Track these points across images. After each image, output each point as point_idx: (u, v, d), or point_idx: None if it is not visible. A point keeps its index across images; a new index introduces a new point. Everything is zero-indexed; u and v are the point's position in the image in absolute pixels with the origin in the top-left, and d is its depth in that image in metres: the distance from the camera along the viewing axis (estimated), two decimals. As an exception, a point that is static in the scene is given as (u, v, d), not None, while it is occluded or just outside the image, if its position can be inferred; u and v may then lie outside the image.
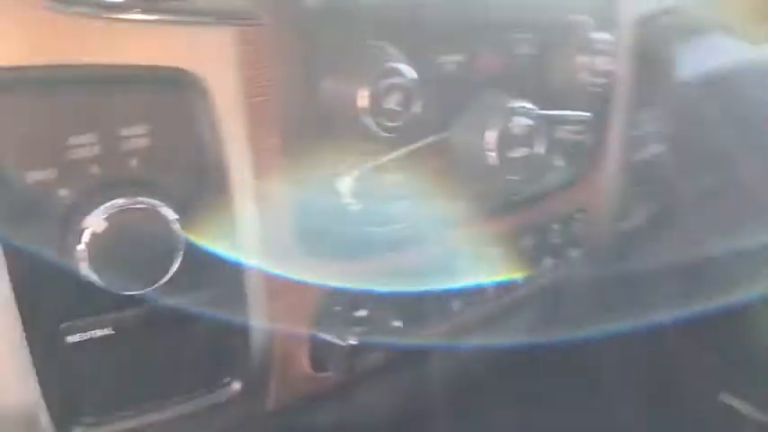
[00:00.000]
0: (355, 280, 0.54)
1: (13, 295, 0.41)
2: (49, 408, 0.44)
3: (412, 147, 0.53)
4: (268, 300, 0.50)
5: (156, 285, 0.43)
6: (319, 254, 0.52)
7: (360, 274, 0.54)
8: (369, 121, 0.49)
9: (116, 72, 0.42)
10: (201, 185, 0.46)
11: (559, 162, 0.66)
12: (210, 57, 0.45)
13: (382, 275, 0.55)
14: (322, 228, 0.51)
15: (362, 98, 0.48)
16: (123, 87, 0.43)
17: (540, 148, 0.57)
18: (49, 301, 0.43)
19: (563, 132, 0.63)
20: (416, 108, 0.51)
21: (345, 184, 0.51)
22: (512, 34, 0.60)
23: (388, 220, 0.55)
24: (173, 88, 0.44)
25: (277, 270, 0.50)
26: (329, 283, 0.53)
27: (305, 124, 0.50)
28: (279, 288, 0.50)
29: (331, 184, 0.51)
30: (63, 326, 0.43)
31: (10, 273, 0.41)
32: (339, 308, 0.54)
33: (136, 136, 0.43)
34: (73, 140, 0.42)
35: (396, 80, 0.49)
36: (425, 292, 0.58)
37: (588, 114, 0.64)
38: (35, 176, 0.41)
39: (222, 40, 0.45)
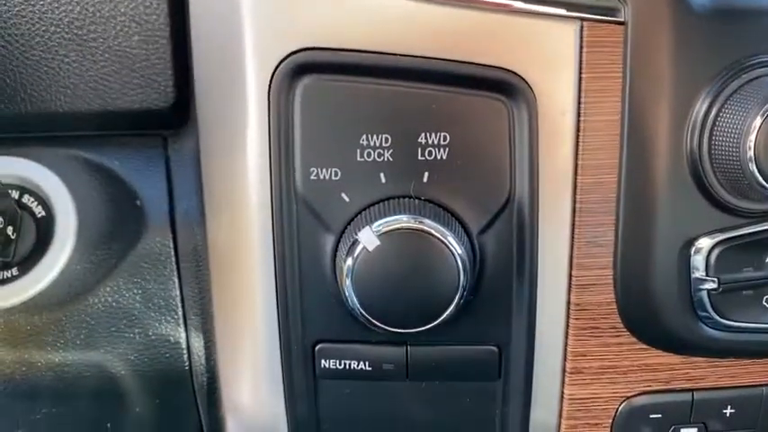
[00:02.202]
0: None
1: (275, 301, 0.37)
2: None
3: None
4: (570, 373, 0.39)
5: (424, 326, 0.35)
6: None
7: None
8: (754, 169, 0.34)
9: (427, 67, 0.35)
10: (500, 214, 0.37)
11: None
12: (544, 59, 0.35)
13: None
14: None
15: (751, 135, 0.33)
16: (430, 86, 0.35)
17: None
18: (309, 314, 0.38)
19: None
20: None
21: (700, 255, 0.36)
22: None
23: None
24: (491, 93, 0.35)
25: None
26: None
27: (656, 161, 0.37)
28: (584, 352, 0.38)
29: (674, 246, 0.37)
30: (318, 347, 0.38)
31: (277, 276, 0.36)
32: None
33: (434, 145, 0.36)
34: (365, 140, 0.36)
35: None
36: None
37: None
38: (319, 174, 0.36)
39: (563, 38, 0.35)
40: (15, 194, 0.43)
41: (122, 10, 0.42)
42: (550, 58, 0.35)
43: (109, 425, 0.44)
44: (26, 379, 0.42)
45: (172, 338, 0.42)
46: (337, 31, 0.34)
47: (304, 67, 0.34)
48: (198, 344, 0.42)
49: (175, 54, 0.43)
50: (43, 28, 0.42)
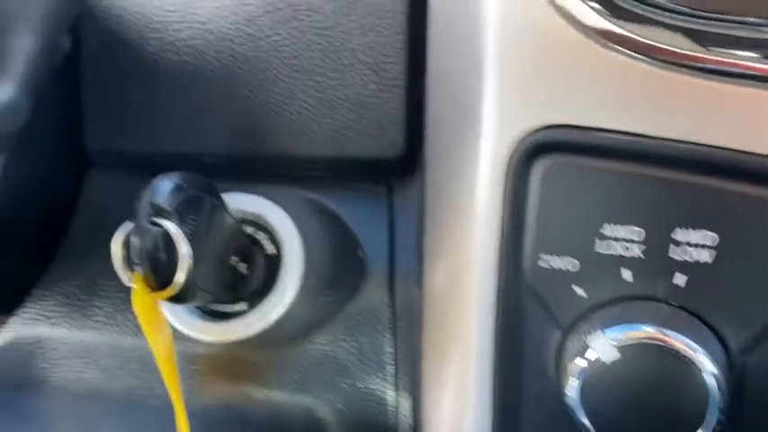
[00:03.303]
0: None
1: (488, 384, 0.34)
2: None
3: None
4: None
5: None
6: None
7: None
8: None
9: (692, 155, 0.30)
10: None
11: None
12: None
13: None
14: None
15: None
16: (694, 176, 0.30)
17: None
18: (524, 408, 0.35)
19: None
20: None
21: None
22: None
23: None
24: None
25: None
26: None
27: None
28: None
29: None
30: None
31: (496, 360, 0.34)
32: None
33: (692, 244, 0.30)
34: (607, 230, 0.31)
35: None
36: None
37: None
38: (551, 261, 0.32)
39: None
40: (250, 230, 0.45)
41: (361, 58, 0.42)
42: None
43: None
44: (243, 410, 0.44)
45: (380, 394, 0.42)
46: (589, 107, 0.30)
47: (547, 145, 0.31)
48: (406, 404, 0.41)
49: (410, 106, 0.42)
50: (287, 75, 0.43)
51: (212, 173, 0.45)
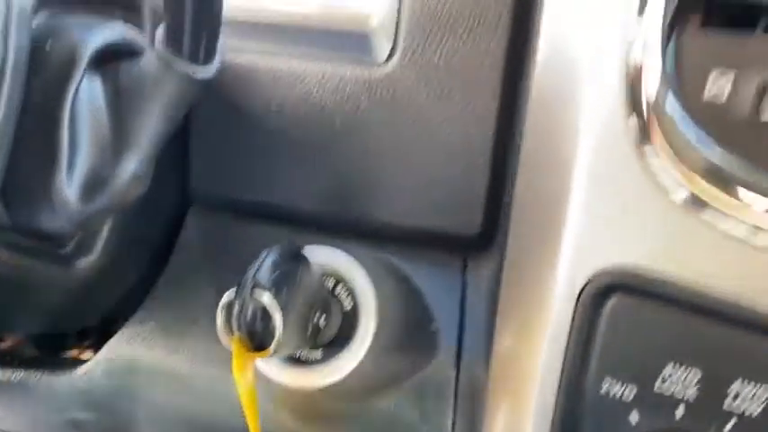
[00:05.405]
0: None
1: None
2: None
3: None
4: None
5: None
6: None
7: None
8: None
9: (754, 317, 0.32)
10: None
11: None
12: None
13: None
14: None
15: None
16: (754, 333, 0.32)
17: None
18: None
19: None
20: None
21: None
22: None
23: None
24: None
25: None
26: None
27: None
28: None
29: None
30: None
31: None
32: None
33: (747, 398, 0.32)
34: (669, 369, 0.34)
35: None
36: None
37: None
38: (610, 390, 0.35)
39: None
40: (330, 283, 0.49)
41: (451, 140, 0.45)
42: None
43: None
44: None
45: None
46: (658, 256, 0.32)
47: (617, 285, 0.33)
48: None
49: (491, 190, 0.44)
50: (380, 148, 0.46)
51: (300, 224, 0.49)
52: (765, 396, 0.32)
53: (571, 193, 0.35)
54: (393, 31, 0.46)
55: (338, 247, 0.48)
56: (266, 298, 0.40)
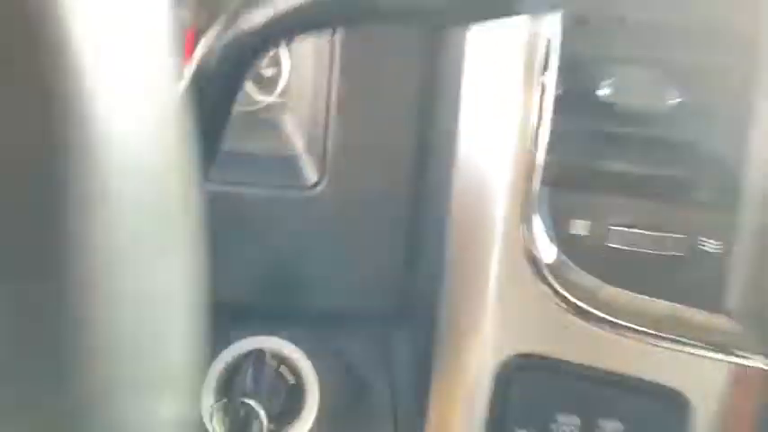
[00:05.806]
0: None
1: None
2: None
3: None
4: None
5: None
6: None
7: None
8: None
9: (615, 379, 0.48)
10: None
11: None
12: (701, 382, 0.48)
13: None
14: None
15: None
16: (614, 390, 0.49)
17: None
18: None
19: None
20: None
21: None
22: None
23: None
24: (658, 401, 0.48)
25: None
26: None
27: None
28: None
29: None
30: None
31: None
32: None
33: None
34: (561, 417, 0.49)
35: None
36: None
37: None
38: (517, 433, 0.50)
39: (715, 368, 0.48)
40: (274, 364, 0.58)
41: (367, 242, 0.56)
42: (705, 381, 0.48)
43: None
44: None
45: None
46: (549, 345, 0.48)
47: (520, 365, 0.48)
48: None
49: (405, 267, 0.57)
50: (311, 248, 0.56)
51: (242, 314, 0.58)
52: (621, 428, 0.49)
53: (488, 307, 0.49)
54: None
55: (275, 331, 0.57)
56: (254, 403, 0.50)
